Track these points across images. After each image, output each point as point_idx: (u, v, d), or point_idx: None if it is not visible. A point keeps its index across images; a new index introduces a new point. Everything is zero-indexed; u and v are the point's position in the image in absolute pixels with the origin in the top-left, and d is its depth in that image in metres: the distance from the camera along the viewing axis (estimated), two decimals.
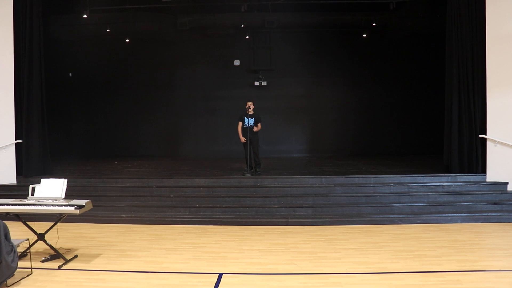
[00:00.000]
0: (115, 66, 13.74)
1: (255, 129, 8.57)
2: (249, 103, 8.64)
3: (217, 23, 12.59)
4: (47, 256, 5.22)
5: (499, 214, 7.16)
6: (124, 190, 8.07)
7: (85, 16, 11.22)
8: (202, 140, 13.84)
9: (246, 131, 8.56)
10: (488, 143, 8.19)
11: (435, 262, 5.01)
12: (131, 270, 4.89)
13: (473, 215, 7.11)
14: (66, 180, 5.40)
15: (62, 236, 5.88)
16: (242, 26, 12.54)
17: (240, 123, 8.64)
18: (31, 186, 5.42)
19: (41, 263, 5.08)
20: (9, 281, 4.33)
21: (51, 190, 5.31)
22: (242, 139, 8.59)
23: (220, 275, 4.68)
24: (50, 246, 5.27)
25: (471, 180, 8.06)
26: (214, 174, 8.83)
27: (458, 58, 8.35)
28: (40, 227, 5.42)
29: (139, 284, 4.45)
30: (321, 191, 7.88)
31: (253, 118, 8.59)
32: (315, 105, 13.79)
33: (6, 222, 4.39)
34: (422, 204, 7.44)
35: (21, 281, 4.48)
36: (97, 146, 13.67)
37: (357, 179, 8.10)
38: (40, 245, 5.41)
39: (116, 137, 13.76)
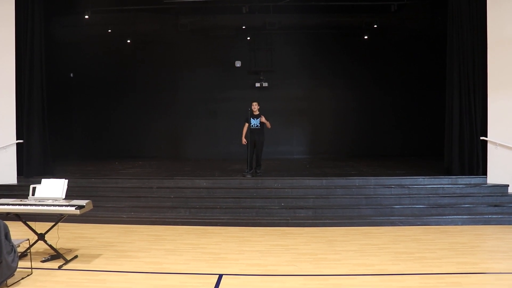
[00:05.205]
0: (116, 67, 13.74)
1: (263, 119, 8.42)
2: (254, 104, 8.63)
3: (218, 24, 12.59)
4: (47, 256, 5.23)
5: (499, 216, 7.15)
6: (124, 191, 8.07)
7: (86, 17, 11.23)
8: (202, 141, 13.82)
9: (253, 132, 8.55)
10: (489, 145, 8.18)
11: (435, 264, 5.01)
12: (131, 270, 4.89)
13: (473, 217, 7.10)
14: (66, 181, 5.40)
15: (62, 236, 5.88)
16: (243, 27, 12.54)
17: (246, 124, 8.63)
18: (31, 186, 5.42)
19: (41, 263, 5.08)
20: (9, 281, 4.33)
21: (51, 190, 5.32)
22: (243, 141, 8.61)
23: (220, 276, 4.68)
24: (50, 246, 5.27)
25: (472, 182, 8.05)
26: (215, 175, 8.83)
27: (459, 60, 8.35)
28: (41, 227, 5.42)
29: (139, 285, 4.45)
30: (322, 193, 7.87)
31: (258, 119, 8.59)
32: (316, 106, 13.79)
33: (7, 222, 4.39)
34: (423, 206, 7.44)
35: (21, 281, 4.48)
36: (97, 146, 13.66)
37: (357, 180, 8.10)
38: (41, 245, 5.41)
39: (116, 138, 13.75)
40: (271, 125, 8.71)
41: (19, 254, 4.63)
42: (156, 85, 13.83)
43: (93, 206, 5.38)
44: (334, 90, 13.74)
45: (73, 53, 13.10)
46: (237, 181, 8.31)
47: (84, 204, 5.08)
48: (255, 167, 8.71)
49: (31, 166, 8.49)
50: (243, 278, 4.65)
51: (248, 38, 13.42)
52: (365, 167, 10.26)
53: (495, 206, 7.42)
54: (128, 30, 12.67)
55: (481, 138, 8.23)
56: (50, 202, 5.15)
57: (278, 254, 5.49)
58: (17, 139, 8.54)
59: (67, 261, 5.12)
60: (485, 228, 6.80)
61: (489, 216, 7.13)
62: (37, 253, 5.44)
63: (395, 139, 13.50)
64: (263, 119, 8.53)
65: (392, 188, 7.84)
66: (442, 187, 7.88)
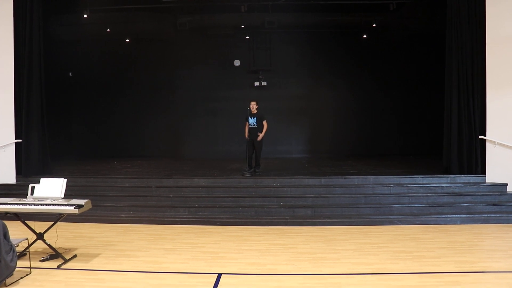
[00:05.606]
0: (115, 66, 13.74)
1: (259, 137, 8.59)
2: (252, 103, 8.68)
3: (217, 23, 12.59)
4: (46, 256, 5.22)
5: (498, 215, 7.16)
6: (123, 190, 8.07)
7: (85, 16, 11.23)
8: (201, 141, 13.83)
9: (251, 131, 8.64)
10: (487, 144, 8.19)
11: (434, 263, 5.02)
12: (130, 270, 4.89)
13: (472, 216, 7.11)
14: (65, 180, 5.40)
15: (61, 235, 5.88)
16: (242, 26, 12.54)
17: (247, 123, 8.73)
18: (30, 185, 5.42)
19: (40, 262, 5.08)
20: (8, 281, 4.33)
21: (50, 189, 5.32)
22: (247, 136, 8.70)
23: (219, 275, 4.68)
24: (49, 245, 5.27)
25: (471, 181, 8.06)
26: (214, 174, 8.83)
27: (457, 59, 8.35)
28: (40, 226, 5.42)
29: (138, 284, 4.45)
30: (321, 192, 7.88)
31: (256, 117, 8.63)
32: (314, 105, 13.80)
33: (6, 222, 4.39)
34: (421, 205, 7.44)
35: (20, 280, 4.48)
36: (96, 146, 13.67)
37: (356, 179, 8.10)
38: (39, 245, 5.41)
39: (115, 137, 13.75)
40: (268, 125, 8.73)
41: (18, 253, 4.63)
42: (155, 84, 13.83)
43: (92, 206, 5.37)
44: (333, 89, 13.75)
45: (72, 52, 13.10)
46: (236, 180, 8.31)
47: (83, 204, 5.08)
48: (254, 167, 8.72)
49: (30, 166, 8.48)
50: (242, 277, 4.65)
51: (247, 37, 13.43)
52: (364, 166, 10.27)
53: (494, 205, 7.43)
54: (127, 29, 12.66)
55: (480, 137, 8.24)
56: (49, 201, 5.15)
57: (277, 253, 5.50)
58: (16, 139, 8.53)
59: (66, 261, 5.12)
60: (483, 227, 6.81)
61: (488, 215, 7.14)
62: (36, 252, 5.44)
63: (394, 138, 13.52)
64: (259, 137, 8.62)
65: (391, 187, 7.84)
66: (441, 186, 7.89)
